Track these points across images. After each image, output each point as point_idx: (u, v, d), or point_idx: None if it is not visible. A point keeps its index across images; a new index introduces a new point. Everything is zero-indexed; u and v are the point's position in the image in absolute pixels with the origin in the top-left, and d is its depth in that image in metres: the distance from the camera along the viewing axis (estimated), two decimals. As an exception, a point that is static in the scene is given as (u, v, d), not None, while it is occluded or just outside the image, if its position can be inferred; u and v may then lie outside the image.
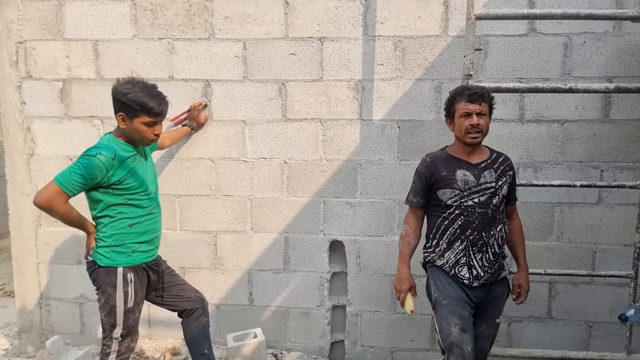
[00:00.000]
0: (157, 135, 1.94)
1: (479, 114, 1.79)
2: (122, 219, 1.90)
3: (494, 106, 1.88)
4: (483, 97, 1.80)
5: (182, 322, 2.18)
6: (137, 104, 1.83)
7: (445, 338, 1.79)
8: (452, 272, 1.84)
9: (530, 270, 2.03)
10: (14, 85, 2.66)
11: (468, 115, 1.79)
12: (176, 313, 2.19)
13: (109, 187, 1.85)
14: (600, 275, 2.34)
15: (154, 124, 1.88)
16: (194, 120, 2.55)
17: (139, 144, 1.95)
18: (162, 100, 1.90)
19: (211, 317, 2.48)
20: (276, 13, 2.50)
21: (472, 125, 1.78)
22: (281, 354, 2.71)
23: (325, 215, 2.63)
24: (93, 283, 1.96)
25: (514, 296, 1.96)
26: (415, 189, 1.94)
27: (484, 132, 1.81)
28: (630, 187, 2.20)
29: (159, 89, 1.93)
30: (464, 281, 1.82)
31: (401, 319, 2.65)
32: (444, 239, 1.86)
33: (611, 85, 2.09)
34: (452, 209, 1.83)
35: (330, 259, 2.67)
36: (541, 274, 2.31)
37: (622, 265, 2.47)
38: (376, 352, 2.69)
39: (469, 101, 1.79)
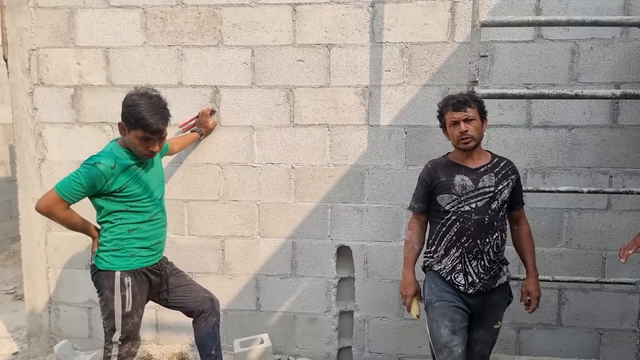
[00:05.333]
0: (152, 152, 1.91)
1: (466, 120, 1.82)
2: (121, 225, 1.93)
3: (485, 108, 1.89)
4: (467, 103, 1.82)
5: (192, 322, 2.19)
6: (134, 118, 1.82)
7: (435, 340, 1.80)
8: (449, 277, 1.86)
9: (539, 277, 2.02)
10: (26, 92, 2.71)
11: (456, 123, 1.83)
12: (185, 315, 2.20)
13: (110, 194, 1.88)
14: (610, 282, 2.32)
15: (147, 140, 1.86)
16: (202, 126, 2.58)
17: (136, 155, 1.94)
18: (161, 119, 1.86)
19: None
20: (284, 20, 2.53)
21: (460, 132, 1.82)
22: (288, 359, 2.70)
23: (333, 221, 2.63)
24: (95, 286, 2.00)
25: (522, 304, 1.95)
26: (417, 195, 1.97)
27: (475, 136, 1.83)
28: (639, 193, 2.19)
29: (166, 108, 1.90)
30: (460, 287, 1.84)
31: (409, 325, 2.64)
32: (442, 245, 1.88)
33: (618, 92, 2.08)
34: (449, 215, 1.85)
35: (338, 265, 2.67)
36: (549, 280, 2.29)
37: (632, 272, 2.44)
38: (384, 359, 2.68)
39: (454, 110, 1.83)
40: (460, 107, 1.82)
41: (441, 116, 1.91)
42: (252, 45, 2.57)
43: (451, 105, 1.84)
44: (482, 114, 1.87)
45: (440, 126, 1.96)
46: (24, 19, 2.66)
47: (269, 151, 2.63)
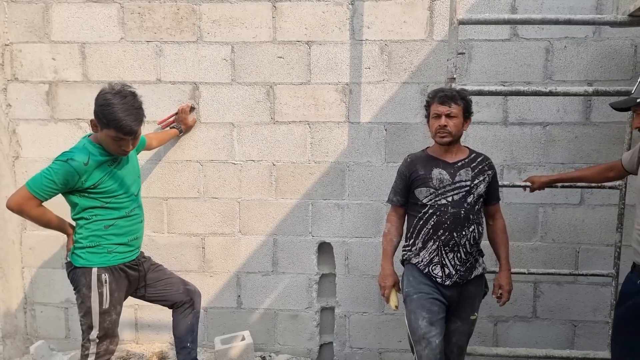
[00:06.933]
0: (125, 151, 1.89)
1: (448, 116, 1.85)
2: (97, 221, 1.90)
3: (471, 108, 1.92)
4: (453, 99, 1.85)
5: (172, 313, 2.19)
6: (107, 118, 1.79)
7: (414, 331, 1.84)
8: (426, 270, 1.90)
9: (513, 270, 2.06)
10: (0, 88, 2.64)
11: (438, 116, 1.86)
12: (166, 307, 2.20)
13: (84, 190, 1.85)
14: (583, 275, 2.39)
15: (120, 140, 1.84)
16: (182, 123, 2.56)
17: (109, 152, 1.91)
18: (135, 120, 1.82)
19: (199, 320, 2.47)
20: (264, 17, 2.52)
21: (439, 126, 1.84)
22: (270, 356, 2.70)
23: (314, 217, 2.64)
24: (71, 284, 1.97)
25: (494, 296, 1.99)
26: (396, 188, 2.00)
27: (452, 132, 1.86)
28: (610, 187, 2.26)
29: (140, 108, 1.86)
30: (437, 279, 1.87)
31: (389, 320, 2.67)
32: (420, 238, 1.91)
33: (590, 89, 2.15)
34: (426, 208, 1.88)
35: (319, 261, 2.68)
36: (524, 273, 2.35)
37: (604, 265, 2.51)
38: (365, 354, 2.70)
39: (440, 103, 1.86)
40: (446, 101, 1.84)
41: (428, 106, 1.93)
42: (232, 42, 2.55)
43: (438, 97, 1.86)
44: (467, 113, 1.90)
45: (425, 116, 1.97)
46: (-4, 13, 2.59)
47: (249, 148, 2.62)
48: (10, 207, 1.81)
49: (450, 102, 1.84)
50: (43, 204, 1.85)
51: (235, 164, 2.63)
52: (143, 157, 2.57)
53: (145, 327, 2.77)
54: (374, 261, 2.63)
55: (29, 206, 1.80)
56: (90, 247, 1.90)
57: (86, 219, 1.89)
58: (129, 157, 2.02)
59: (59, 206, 1.96)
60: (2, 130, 2.67)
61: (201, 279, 2.71)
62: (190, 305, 2.17)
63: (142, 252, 2.12)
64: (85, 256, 1.90)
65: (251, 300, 2.72)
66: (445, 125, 1.83)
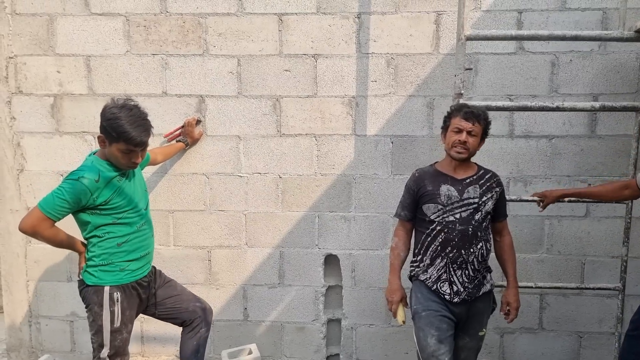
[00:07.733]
0: (135, 163, 1.89)
1: (469, 133, 1.85)
2: (110, 239, 1.90)
3: (489, 130, 1.92)
4: (478, 117, 1.85)
5: (181, 331, 2.18)
6: (116, 131, 1.80)
7: (423, 349, 1.83)
8: (434, 287, 1.89)
9: (521, 284, 2.07)
10: (4, 101, 2.63)
11: (459, 131, 1.86)
12: (176, 325, 2.19)
13: (96, 208, 1.85)
14: (590, 288, 2.40)
15: (130, 152, 1.85)
16: (188, 136, 2.55)
17: (118, 166, 1.91)
18: (144, 131, 1.84)
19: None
20: (270, 30, 2.52)
21: (459, 140, 1.84)
22: (276, 369, 2.71)
23: (320, 230, 2.64)
24: (83, 302, 1.97)
25: (502, 313, 2.00)
26: (404, 203, 2.00)
27: (470, 150, 1.86)
28: (616, 201, 2.26)
29: (147, 119, 1.87)
30: (445, 296, 1.87)
31: (396, 332, 2.67)
32: (427, 255, 1.91)
33: (597, 104, 2.16)
34: (434, 225, 1.88)
35: (325, 273, 2.68)
36: (531, 287, 2.36)
37: (610, 277, 2.53)
38: (371, 366, 2.71)
39: (464, 118, 1.85)
40: (471, 118, 1.84)
41: (448, 119, 1.92)
42: (238, 55, 2.55)
43: (463, 112, 1.86)
44: (484, 134, 1.91)
45: (442, 127, 1.96)
46: (1, 26, 2.57)
47: (255, 161, 2.61)
48: (23, 230, 1.80)
49: (475, 120, 1.84)
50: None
51: (241, 176, 2.63)
52: (149, 170, 2.57)
53: (151, 340, 2.76)
54: (381, 273, 2.63)
55: (42, 227, 1.79)
56: (102, 265, 1.90)
57: (99, 236, 1.89)
58: (135, 171, 2.02)
59: (70, 225, 1.95)
60: (7, 143, 2.65)
61: (207, 292, 2.70)
62: (198, 323, 2.15)
63: (153, 267, 2.12)
64: (97, 274, 1.90)
65: (258, 313, 2.72)
66: (465, 142, 1.83)
